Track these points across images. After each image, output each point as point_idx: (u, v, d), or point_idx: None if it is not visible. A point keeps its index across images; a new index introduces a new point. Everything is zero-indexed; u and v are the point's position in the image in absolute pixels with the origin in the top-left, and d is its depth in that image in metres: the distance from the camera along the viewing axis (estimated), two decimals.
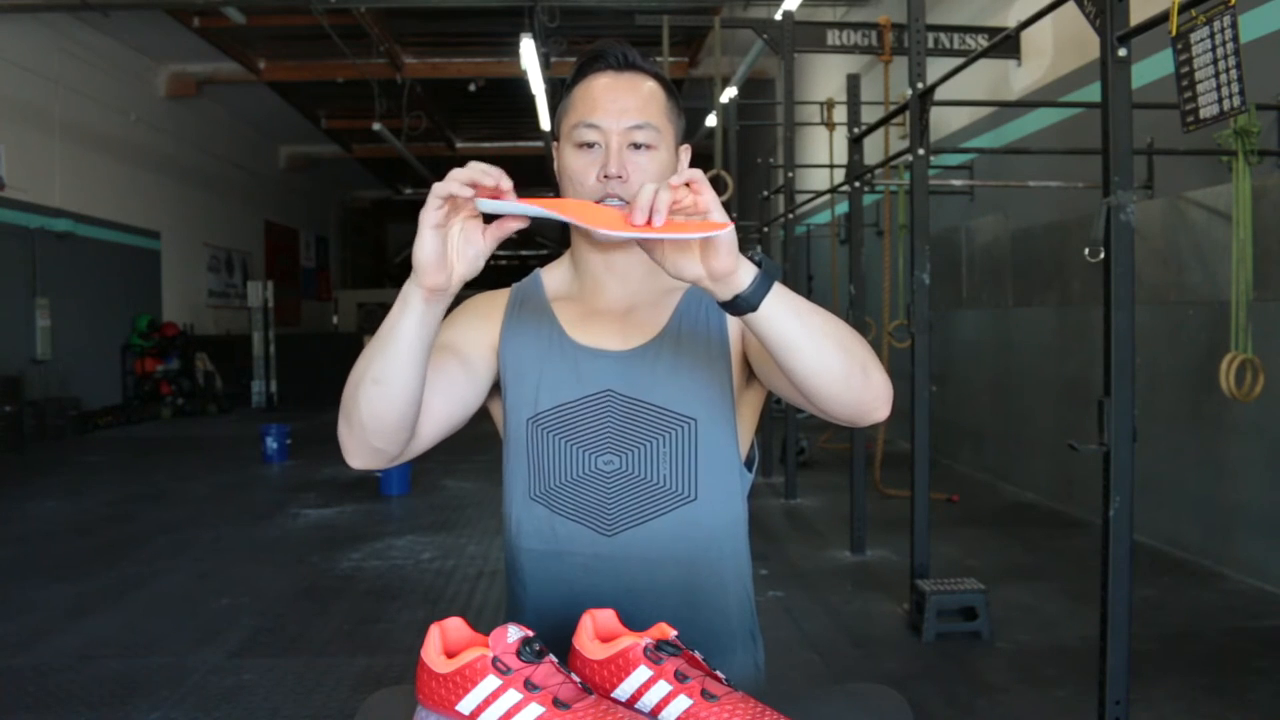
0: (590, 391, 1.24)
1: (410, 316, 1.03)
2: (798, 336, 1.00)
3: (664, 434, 1.23)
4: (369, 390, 1.08)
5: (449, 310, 1.13)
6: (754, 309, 0.97)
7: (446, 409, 1.19)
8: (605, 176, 1.18)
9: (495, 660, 0.99)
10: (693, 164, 1.33)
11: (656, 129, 1.20)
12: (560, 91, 1.28)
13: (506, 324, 1.30)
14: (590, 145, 1.20)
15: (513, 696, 0.98)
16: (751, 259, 0.98)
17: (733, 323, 1.24)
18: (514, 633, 1.01)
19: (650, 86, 1.23)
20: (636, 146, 1.20)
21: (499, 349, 1.29)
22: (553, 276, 1.34)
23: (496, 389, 1.29)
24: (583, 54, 1.24)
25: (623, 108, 1.19)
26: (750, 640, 1.30)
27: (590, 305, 1.28)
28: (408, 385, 1.07)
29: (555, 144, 1.26)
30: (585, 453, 1.24)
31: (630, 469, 1.23)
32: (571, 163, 1.21)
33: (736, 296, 0.97)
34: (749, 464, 1.28)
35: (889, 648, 3.48)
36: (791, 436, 6.20)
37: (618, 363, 1.24)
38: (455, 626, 1.06)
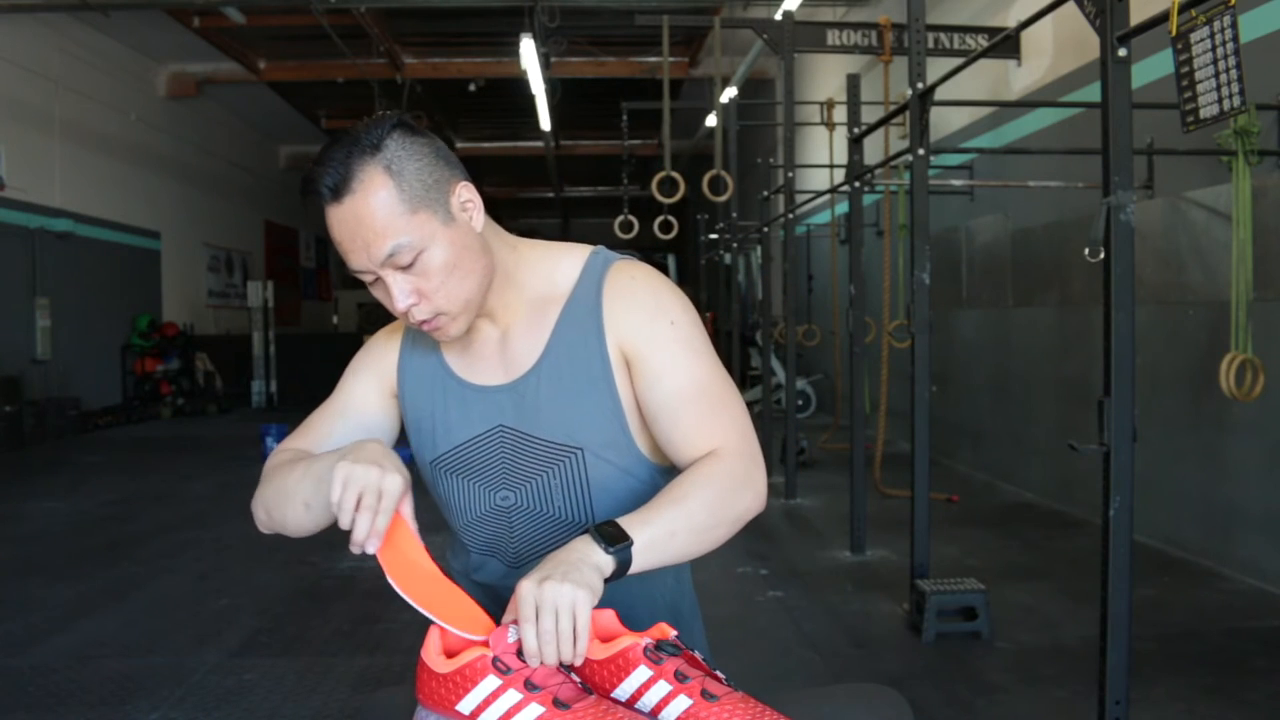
0: (481, 430, 1.26)
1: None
2: (670, 558, 1.11)
3: (553, 465, 1.23)
4: (299, 512, 1.16)
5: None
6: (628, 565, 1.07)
7: None
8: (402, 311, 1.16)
9: (495, 660, 0.99)
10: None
11: (408, 237, 1.11)
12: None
13: (401, 369, 1.32)
14: (372, 281, 1.17)
15: (513, 696, 0.98)
16: (601, 542, 1.05)
17: (614, 344, 1.22)
18: (514, 633, 1.01)
19: (376, 199, 1.10)
20: (406, 267, 1.13)
21: (398, 394, 1.32)
22: None
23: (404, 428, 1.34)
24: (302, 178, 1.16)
25: (364, 242, 1.11)
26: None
27: (472, 334, 1.28)
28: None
29: None
30: (484, 490, 1.27)
31: (525, 503, 1.25)
32: (373, 292, 1.19)
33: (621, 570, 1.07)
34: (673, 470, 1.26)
35: (889, 648, 3.47)
36: (791, 437, 6.19)
37: (505, 396, 1.25)
38: None
